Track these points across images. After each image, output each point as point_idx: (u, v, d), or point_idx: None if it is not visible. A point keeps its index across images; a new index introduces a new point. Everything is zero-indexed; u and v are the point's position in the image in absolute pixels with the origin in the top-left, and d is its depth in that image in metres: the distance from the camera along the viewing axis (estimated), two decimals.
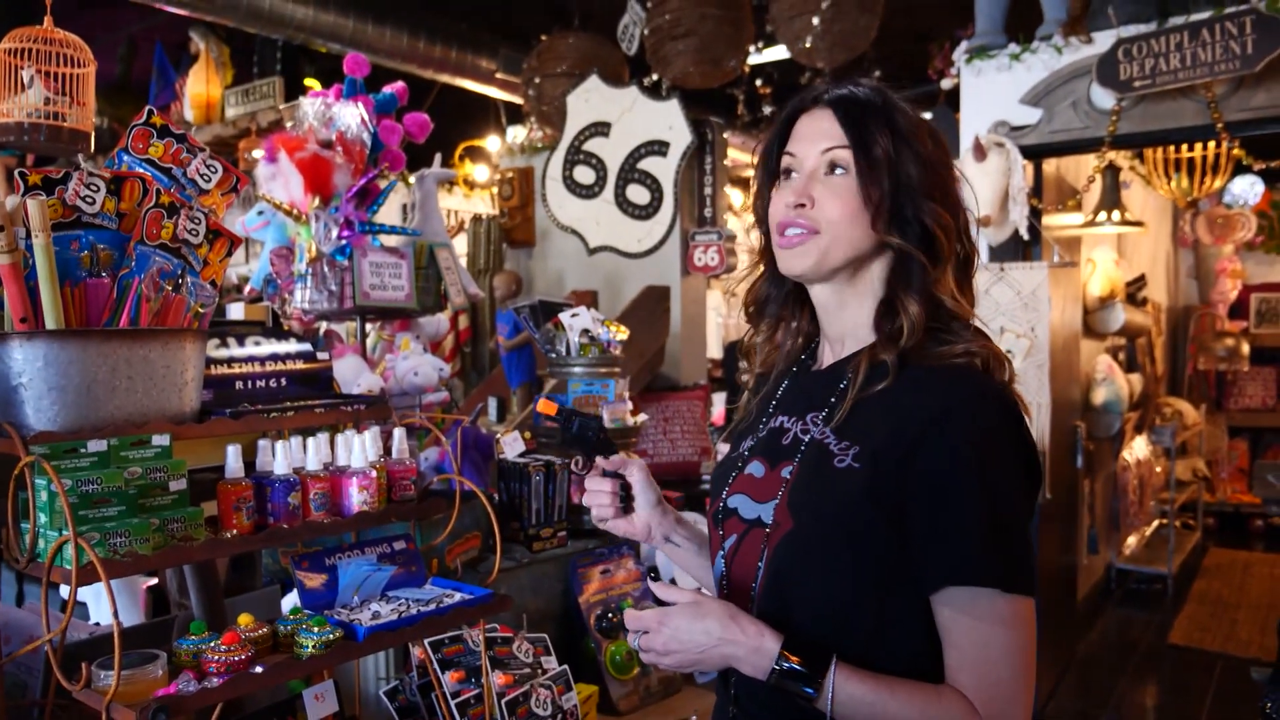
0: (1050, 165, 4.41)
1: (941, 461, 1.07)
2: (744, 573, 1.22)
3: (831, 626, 1.12)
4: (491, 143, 7.89)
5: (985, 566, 1.06)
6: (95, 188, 1.56)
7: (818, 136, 1.20)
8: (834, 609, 1.13)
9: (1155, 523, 6.97)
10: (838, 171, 1.18)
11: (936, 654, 1.10)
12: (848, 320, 1.24)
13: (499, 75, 7.22)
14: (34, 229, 1.47)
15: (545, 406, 1.40)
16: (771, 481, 1.22)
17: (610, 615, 2.71)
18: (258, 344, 1.99)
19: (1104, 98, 3.90)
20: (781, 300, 1.33)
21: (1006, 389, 1.16)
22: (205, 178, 1.78)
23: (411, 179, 3.43)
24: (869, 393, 1.16)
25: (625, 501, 1.38)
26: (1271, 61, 3.45)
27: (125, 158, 1.71)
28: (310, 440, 1.80)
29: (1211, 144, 5.17)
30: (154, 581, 2.26)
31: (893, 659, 1.10)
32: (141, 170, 1.69)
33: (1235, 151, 3.81)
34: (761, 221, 1.29)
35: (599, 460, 1.38)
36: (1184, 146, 5.33)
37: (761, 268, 1.33)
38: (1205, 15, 3.61)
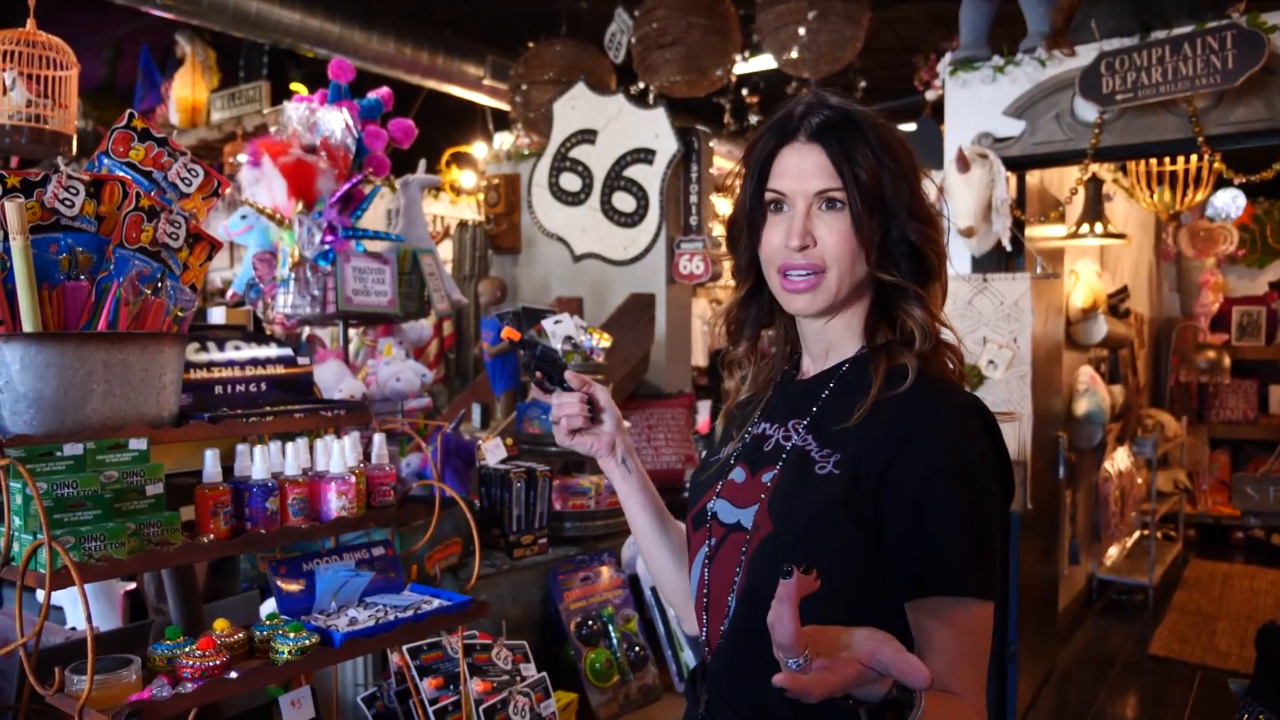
0: (1033, 177, 4.44)
1: (922, 473, 1.10)
2: (723, 577, 1.23)
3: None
4: (478, 149, 7.89)
5: (967, 577, 1.09)
6: (74, 190, 1.56)
7: (808, 175, 1.19)
8: (809, 611, 1.13)
9: (1136, 534, 7.00)
10: (836, 206, 1.19)
11: None
12: (831, 335, 1.27)
13: (486, 82, 7.23)
14: (12, 231, 1.46)
15: (509, 333, 1.42)
16: (752, 487, 1.23)
17: (590, 623, 2.70)
18: (237, 348, 1.98)
19: (1087, 110, 3.93)
20: (762, 315, 1.35)
21: (973, 396, 1.19)
22: (186, 181, 1.77)
23: (396, 184, 3.43)
24: (853, 401, 1.17)
25: (592, 415, 1.41)
26: (1252, 76, 3.48)
27: (105, 161, 1.70)
28: (289, 445, 1.79)
29: (1193, 157, 5.21)
30: (132, 586, 2.24)
31: None
32: (121, 173, 1.68)
33: (1216, 165, 3.84)
34: (734, 242, 1.30)
35: (569, 376, 1.41)
36: (1166, 160, 5.37)
37: (740, 287, 1.34)
38: (1187, 30, 3.64)
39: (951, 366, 1.23)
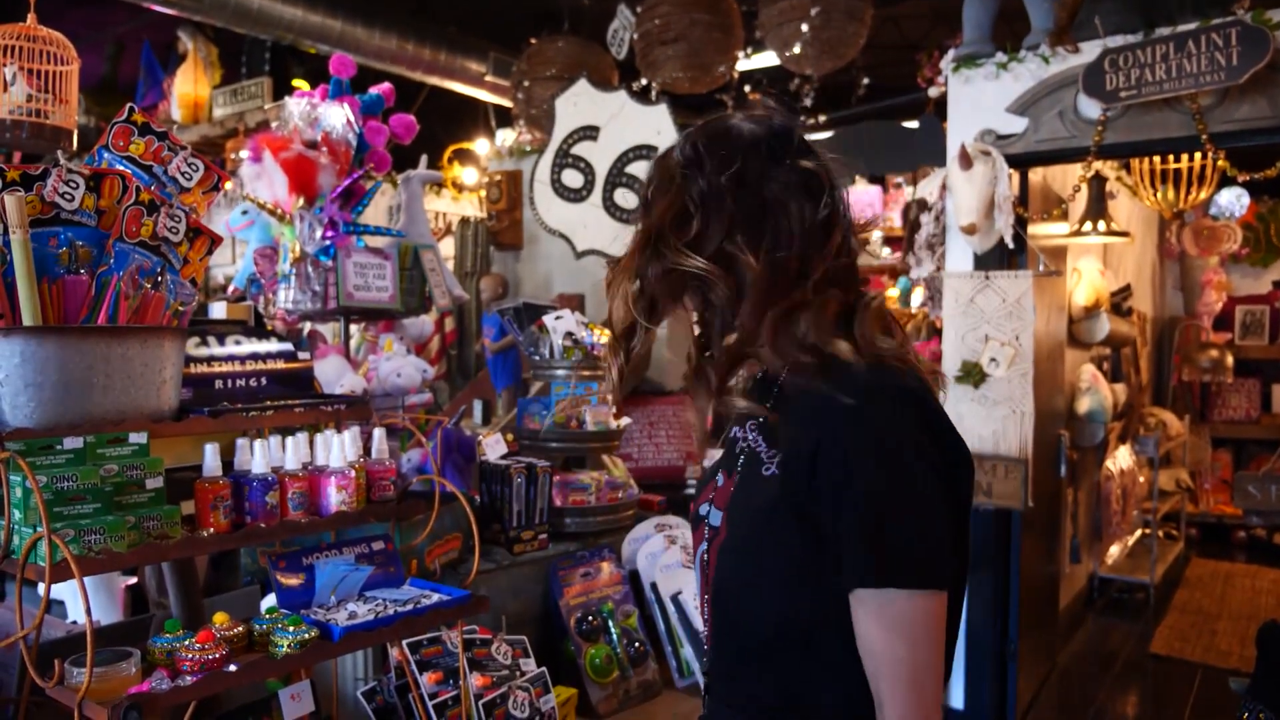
0: (1036, 174, 4.43)
1: (837, 466, 1.08)
2: (706, 576, 1.27)
3: (771, 631, 1.16)
4: (480, 146, 7.88)
5: (888, 569, 1.06)
6: (74, 184, 1.56)
7: None
8: (769, 614, 1.16)
9: (1138, 532, 6.99)
10: None
11: None
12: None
13: (488, 78, 7.22)
14: (12, 225, 1.47)
15: None
16: (726, 489, 1.26)
17: (591, 619, 2.70)
18: (238, 343, 1.98)
19: (1090, 108, 3.92)
20: None
21: (904, 379, 1.15)
22: (186, 176, 1.78)
23: (398, 180, 3.43)
24: (791, 401, 1.18)
25: None
26: (1256, 73, 3.46)
27: (106, 155, 1.70)
28: (289, 440, 1.79)
29: (1197, 155, 5.19)
30: (133, 581, 2.25)
31: (829, 663, 1.13)
32: (122, 167, 1.68)
33: (1220, 163, 3.83)
34: None
35: None
36: (1170, 157, 5.35)
37: None
38: (1191, 26, 3.62)
39: (886, 341, 1.17)
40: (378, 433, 1.93)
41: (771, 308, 1.16)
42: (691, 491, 4.18)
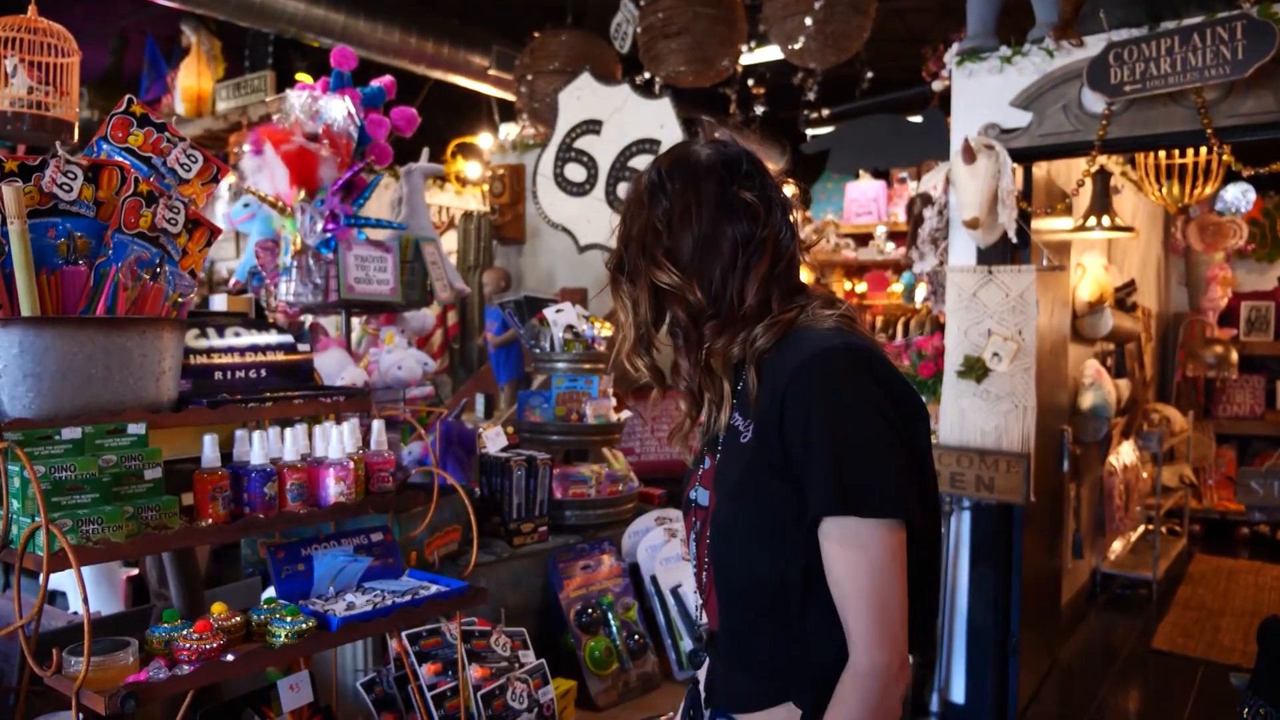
0: (1040, 169, 4.41)
1: (799, 411, 1.19)
2: (703, 552, 1.34)
3: (769, 589, 1.22)
4: (483, 139, 7.87)
5: (846, 496, 1.14)
6: (73, 175, 1.56)
7: None
8: (766, 571, 1.23)
9: (1141, 528, 6.97)
10: None
11: None
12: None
13: (492, 72, 7.21)
14: (10, 215, 1.47)
15: None
16: (711, 469, 1.36)
17: (590, 611, 2.71)
18: (238, 335, 1.99)
19: (1094, 102, 3.90)
20: None
21: (853, 335, 1.26)
22: (185, 167, 1.78)
23: (400, 173, 3.42)
24: (758, 374, 1.27)
25: None
26: (1262, 67, 3.44)
27: (104, 146, 1.70)
28: (288, 431, 1.80)
29: (1202, 150, 5.17)
30: (134, 572, 2.26)
31: (828, 619, 1.18)
32: (120, 159, 1.68)
33: (1225, 158, 3.81)
34: None
35: None
36: (1175, 152, 5.33)
37: None
38: (1196, 20, 3.61)
39: (829, 312, 1.29)
40: (376, 424, 1.93)
41: (714, 322, 1.33)
42: None
